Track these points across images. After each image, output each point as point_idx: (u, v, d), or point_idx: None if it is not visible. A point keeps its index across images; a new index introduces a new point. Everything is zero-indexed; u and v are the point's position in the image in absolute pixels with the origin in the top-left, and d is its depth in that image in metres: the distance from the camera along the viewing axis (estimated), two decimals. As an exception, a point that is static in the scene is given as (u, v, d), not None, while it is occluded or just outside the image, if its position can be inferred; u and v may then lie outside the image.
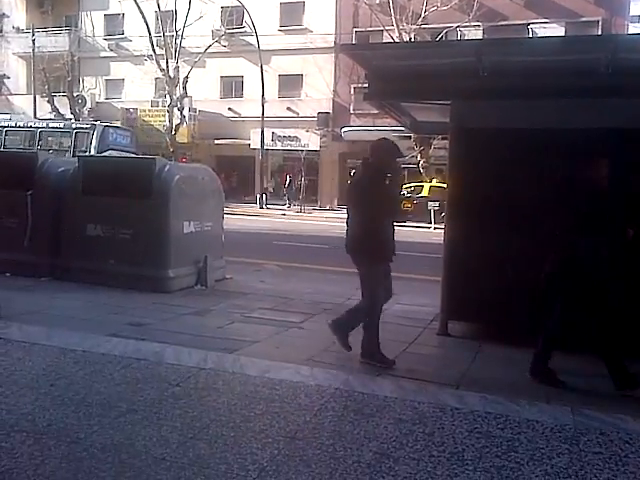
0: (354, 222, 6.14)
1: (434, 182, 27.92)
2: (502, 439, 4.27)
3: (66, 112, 38.36)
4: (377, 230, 5.99)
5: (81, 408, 4.45)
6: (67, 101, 38.26)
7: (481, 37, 30.55)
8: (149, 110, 38.86)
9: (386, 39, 30.26)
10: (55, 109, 37.92)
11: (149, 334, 6.70)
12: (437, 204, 24.57)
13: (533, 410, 4.86)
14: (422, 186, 27.85)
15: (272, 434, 4.16)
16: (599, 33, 29.95)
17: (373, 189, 5.98)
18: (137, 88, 39.48)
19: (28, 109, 39.30)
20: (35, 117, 37.86)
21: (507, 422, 4.58)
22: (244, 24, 36.29)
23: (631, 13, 34.00)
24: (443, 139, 20.83)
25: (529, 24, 31.58)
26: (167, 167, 9.36)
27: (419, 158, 28.19)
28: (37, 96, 38.42)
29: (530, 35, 30.98)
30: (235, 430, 4.21)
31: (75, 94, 39.03)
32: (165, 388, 4.97)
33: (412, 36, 29.13)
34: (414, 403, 4.90)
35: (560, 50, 6.78)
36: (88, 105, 40.30)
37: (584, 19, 31.13)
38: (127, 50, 40.42)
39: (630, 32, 31.43)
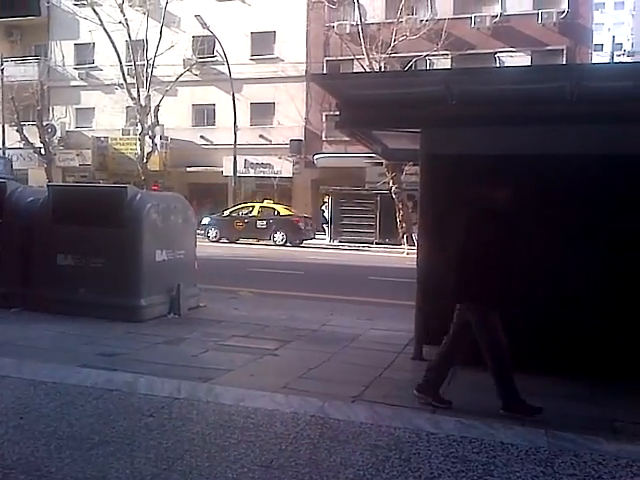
0: None
1: (264, 203, 31.50)
2: (478, 463, 4.28)
3: (35, 141, 38.10)
4: None
5: (52, 441, 4.38)
6: (37, 130, 38.01)
7: (449, 66, 31.06)
8: (120, 138, 38.73)
9: (357, 68, 30.59)
10: (24, 138, 37.63)
11: (121, 364, 6.63)
12: (264, 223, 29.22)
13: (508, 433, 4.88)
14: (253, 207, 30.75)
15: (247, 463, 4.13)
16: (564, 62, 30.63)
17: None
18: (108, 117, 39.33)
19: (-4, 138, 38.96)
20: (3, 146, 37.57)
21: (482, 446, 4.59)
22: (215, 53, 36.45)
23: (594, 42, 34.84)
24: (414, 165, 21.00)
25: (496, 53, 32.15)
26: (139, 195, 9.33)
27: (391, 184, 28.35)
28: (6, 125, 38.12)
29: (497, 64, 31.52)
30: (210, 460, 4.16)
31: (45, 123, 38.78)
32: (138, 419, 4.91)
33: (382, 65, 29.42)
34: (390, 429, 4.90)
35: (526, 79, 6.93)
36: (58, 134, 40.04)
37: (549, 48, 31.77)
38: (97, 79, 40.30)
39: (593, 61, 32.24)
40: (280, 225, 29.15)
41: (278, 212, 30.03)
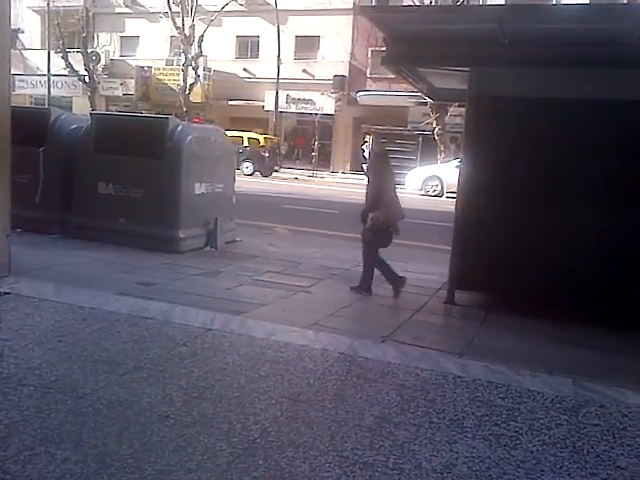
0: None
1: (251, 134, 31.24)
2: (502, 408, 4.31)
3: (80, 69, 38.20)
4: None
5: (88, 364, 4.51)
6: (81, 57, 38.06)
7: (503, 2, 30.03)
8: (163, 69, 38.61)
9: (406, 2, 29.79)
10: (69, 65, 37.76)
11: (157, 294, 6.75)
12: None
13: (535, 381, 4.89)
14: (241, 137, 30.06)
15: (275, 396, 4.21)
16: (624, 1, 29.38)
17: None
18: (152, 46, 39.18)
19: (42, 64, 39.10)
20: (49, 73, 37.73)
21: (508, 392, 4.61)
22: (262, -17, 35.85)
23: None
24: (459, 106, 20.58)
25: (553, -10, 30.96)
26: (180, 127, 9.33)
27: (434, 125, 27.92)
28: (51, 52, 38.17)
29: (554, 2, 30.39)
30: (239, 391, 4.25)
31: (89, 50, 38.80)
32: (172, 347, 5.02)
33: (433, 0, 28.66)
34: (417, 370, 4.94)
35: (583, 18, 6.66)
36: (102, 62, 40.07)
37: (609, -13, 30.49)
38: (142, 7, 39.98)
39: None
40: (248, 155, 29.15)
41: (256, 142, 29.94)
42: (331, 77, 35.23)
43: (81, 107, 35.92)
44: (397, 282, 7.57)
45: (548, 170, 6.81)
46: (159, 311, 5.95)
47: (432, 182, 25.42)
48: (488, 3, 28.96)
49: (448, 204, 16.27)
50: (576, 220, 6.71)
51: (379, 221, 7.36)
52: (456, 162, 25.18)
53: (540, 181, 6.84)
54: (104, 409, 3.81)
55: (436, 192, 25.15)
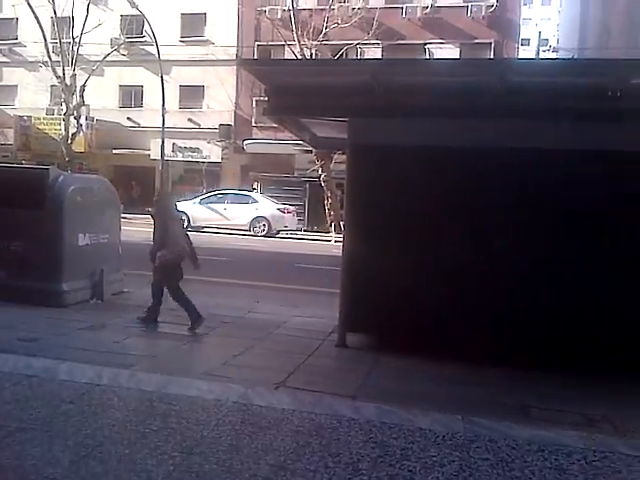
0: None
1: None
2: (396, 448, 4.39)
3: (-46, 118, 36.59)
4: None
5: (-34, 429, 4.27)
6: (-44, 107, 36.51)
7: (380, 55, 31.26)
8: (44, 118, 37.49)
9: (288, 54, 30.46)
10: (-59, 115, 36.09)
11: (41, 350, 6.48)
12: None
13: (426, 419, 5.01)
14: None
15: (168, 450, 4.12)
16: (491, 55, 31.27)
17: None
18: (32, 95, 37.99)
19: None
20: None
21: (401, 431, 4.71)
22: (144, 33, 35.60)
23: (521, 37, 35.66)
24: (343, 154, 21.13)
25: (426, 44, 32.51)
26: (61, 177, 9.10)
27: (320, 172, 28.46)
28: None
29: (427, 55, 31.92)
30: (130, 447, 4.14)
31: (-36, 100, 37.26)
32: (57, 406, 4.83)
33: (313, 52, 29.38)
34: (311, 415, 4.96)
35: (453, 72, 7.07)
36: (-22, 112, 38.52)
37: (478, 41, 32.35)
38: (21, 56, 38.83)
39: (520, 55, 33.00)
40: None
41: None
42: (217, 126, 35.34)
43: (-44, 158, 34.30)
44: (197, 319, 7.88)
45: (422, 215, 7.10)
46: (43, 368, 5.71)
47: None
48: (365, 57, 30.08)
49: (336, 248, 16.58)
50: (459, 261, 6.99)
51: (166, 259, 7.87)
52: (200, 198, 26.90)
53: (416, 226, 7.11)
54: (-16, 475, 3.61)
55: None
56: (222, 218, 26.31)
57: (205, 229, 24.82)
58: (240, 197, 27.39)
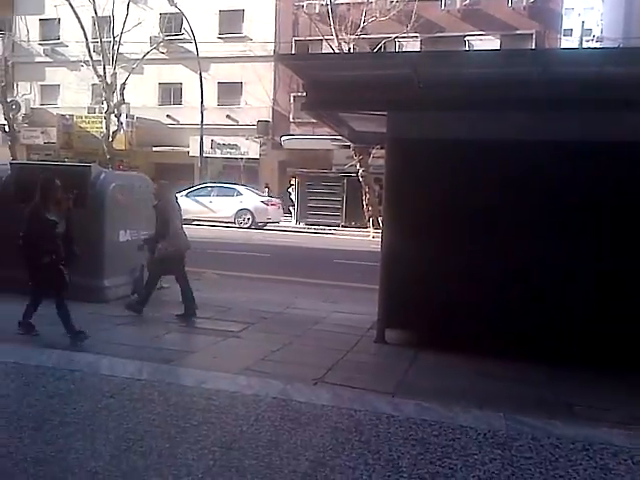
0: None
1: None
2: (436, 446, 4.34)
3: (-1, 118, 37.31)
4: None
5: (12, 422, 4.34)
6: (0, 107, 37.17)
7: (419, 48, 30.99)
8: (86, 116, 38.07)
9: (326, 48, 30.37)
10: (-12, 115, 36.82)
11: (83, 345, 6.57)
12: None
13: (467, 416, 4.95)
14: None
15: (208, 445, 4.13)
16: (533, 46, 30.79)
17: None
18: (73, 94, 38.61)
19: (-41, 115, 38.04)
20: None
21: (441, 429, 4.65)
22: (183, 31, 35.92)
23: (564, 27, 35.06)
24: (381, 148, 21.00)
25: (465, 36, 32.13)
26: (103, 175, 9.21)
27: (358, 167, 28.33)
28: (-31, 101, 37.17)
29: (466, 47, 31.56)
30: (170, 441, 4.16)
31: (9, 100, 37.92)
32: (99, 400, 4.88)
33: (351, 46, 29.25)
34: (351, 411, 4.94)
35: (494, 63, 6.96)
36: (22, 111, 39.20)
37: (519, 32, 31.87)
38: (63, 55, 39.48)
39: (562, 46, 32.44)
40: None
41: None
42: (255, 122, 35.48)
43: (1, 157, 34.91)
44: (140, 306, 8.18)
45: (463, 211, 7.00)
46: (85, 363, 5.79)
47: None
48: (404, 50, 29.82)
49: (374, 244, 16.47)
50: (498, 256, 6.89)
51: (167, 251, 8.04)
52: (187, 191, 26.62)
53: (457, 221, 7.02)
54: (30, 467, 3.67)
55: None
56: (208, 211, 26.53)
57: (194, 222, 24.79)
58: (225, 190, 27.67)
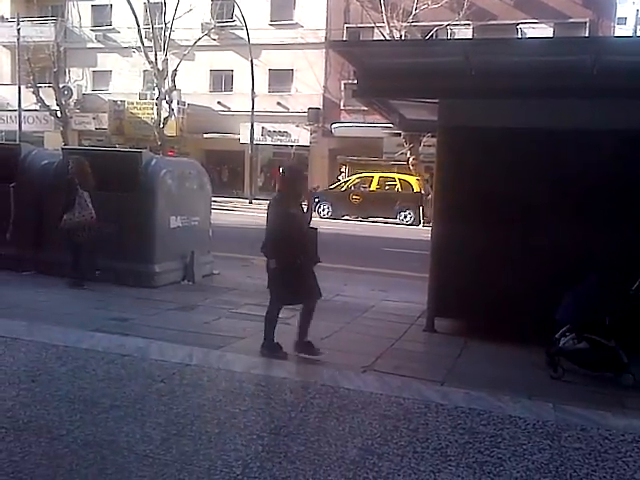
0: None
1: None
2: (485, 435, 4.28)
3: (51, 103, 37.98)
4: None
5: (63, 404, 4.42)
6: (53, 92, 37.87)
7: (471, 36, 30.54)
8: (137, 103, 38.55)
9: (377, 36, 30.16)
10: (40, 100, 37.48)
11: (133, 329, 6.66)
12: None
13: (516, 406, 4.88)
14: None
15: (256, 430, 4.15)
16: (586, 34, 30.04)
17: None
18: (125, 80, 39.13)
19: (12, 100, 38.88)
20: (19, 108, 37.49)
21: (490, 418, 4.59)
22: (234, 18, 36.02)
23: (618, 15, 34.12)
24: (432, 136, 20.79)
25: (518, 24, 31.52)
26: (154, 161, 9.31)
27: (408, 155, 28.12)
28: (22, 87, 37.91)
29: (519, 35, 30.97)
30: (219, 427, 4.18)
31: (61, 85, 38.57)
32: (149, 384, 4.94)
33: (403, 33, 29.01)
34: (399, 399, 4.91)
35: (547, 51, 6.80)
36: (74, 97, 39.84)
37: (572, 20, 31.17)
38: (115, 41, 40.00)
39: (616, 34, 31.57)
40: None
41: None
42: (305, 109, 35.45)
43: (53, 142, 35.51)
44: (79, 280, 8.69)
45: (514, 199, 6.87)
46: (135, 347, 5.86)
47: None
48: (456, 37, 29.41)
49: (424, 232, 16.33)
50: (550, 246, 6.76)
51: (71, 222, 8.58)
52: None
53: (508, 210, 6.90)
54: (80, 450, 3.72)
55: None
56: None
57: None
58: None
